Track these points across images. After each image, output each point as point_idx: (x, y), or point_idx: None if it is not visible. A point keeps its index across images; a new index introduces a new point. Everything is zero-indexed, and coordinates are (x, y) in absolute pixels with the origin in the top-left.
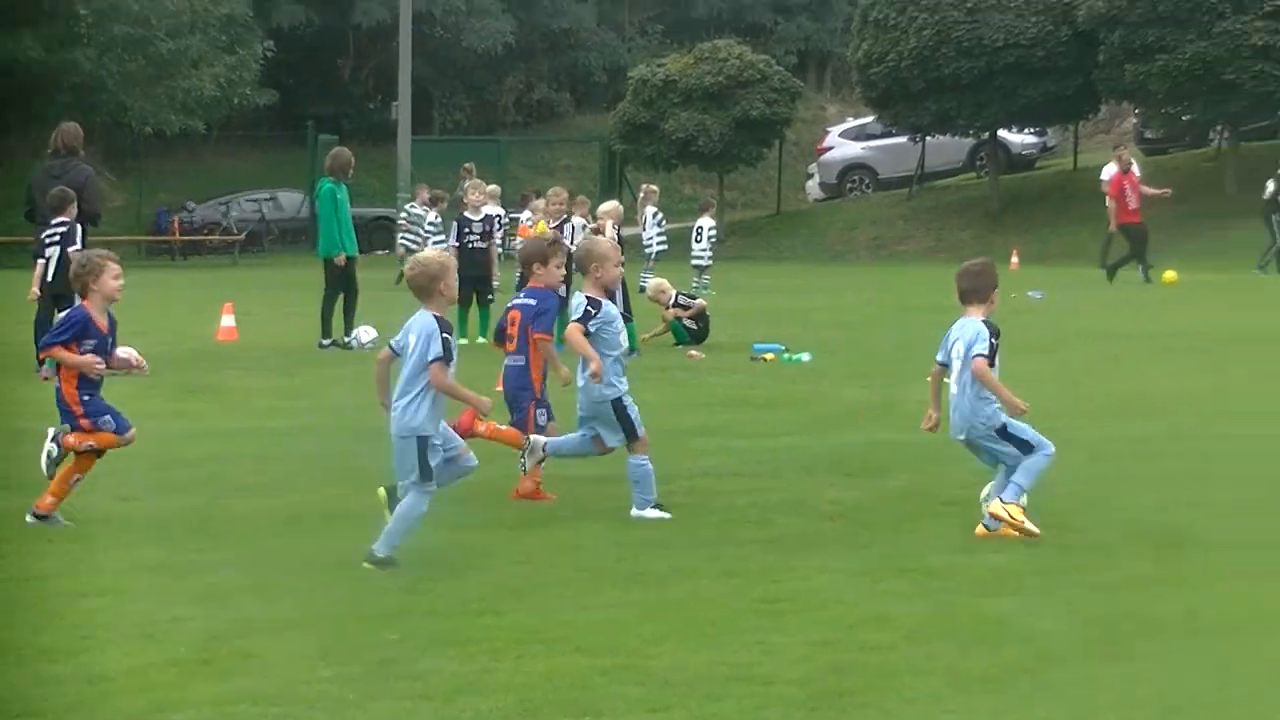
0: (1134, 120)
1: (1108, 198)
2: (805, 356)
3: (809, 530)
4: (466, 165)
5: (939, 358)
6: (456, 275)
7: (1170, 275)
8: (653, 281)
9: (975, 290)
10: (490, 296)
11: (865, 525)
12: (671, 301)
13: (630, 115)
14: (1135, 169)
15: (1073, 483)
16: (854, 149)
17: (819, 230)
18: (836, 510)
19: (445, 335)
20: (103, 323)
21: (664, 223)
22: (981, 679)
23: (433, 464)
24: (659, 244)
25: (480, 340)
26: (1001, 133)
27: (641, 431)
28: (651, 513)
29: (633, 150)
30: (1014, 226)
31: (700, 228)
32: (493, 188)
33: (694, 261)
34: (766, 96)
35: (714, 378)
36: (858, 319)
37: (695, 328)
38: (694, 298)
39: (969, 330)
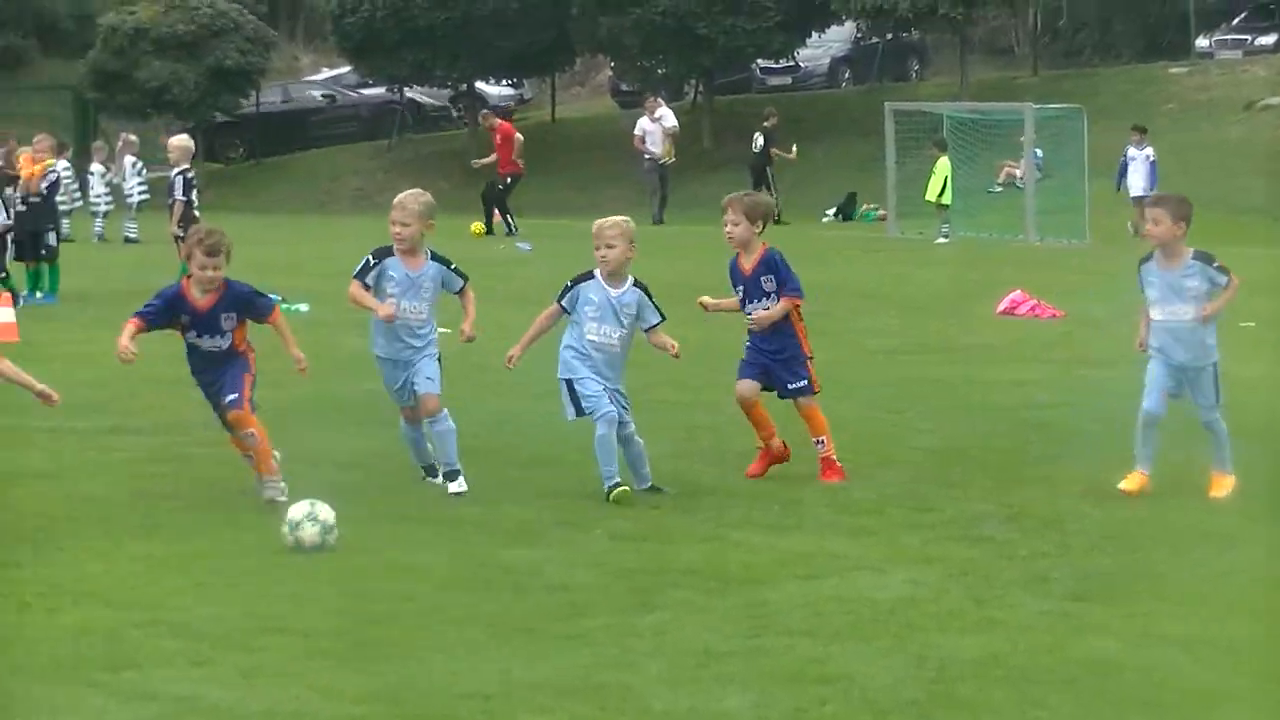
0: (609, 73)
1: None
2: (303, 307)
3: (326, 480)
4: None
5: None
6: None
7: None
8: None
9: None
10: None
11: (382, 474)
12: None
13: (101, 63)
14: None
15: (579, 435)
16: None
17: (301, 180)
18: (352, 460)
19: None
20: None
21: (144, 171)
22: (519, 628)
23: None
24: (140, 193)
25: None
26: (479, 84)
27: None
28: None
29: (106, 98)
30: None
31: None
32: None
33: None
34: (240, 46)
35: None
36: (349, 269)
37: None
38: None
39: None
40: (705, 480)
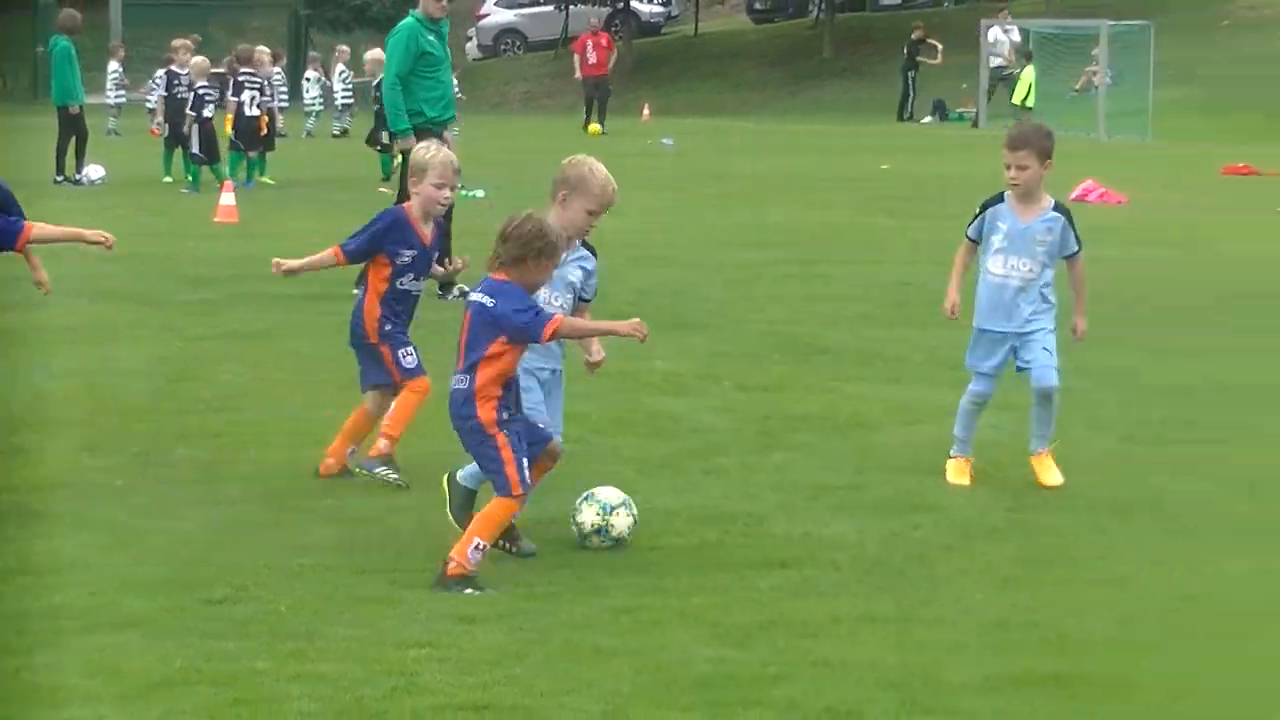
0: None
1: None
2: (480, 193)
3: None
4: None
5: None
6: None
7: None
8: None
9: None
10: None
11: None
12: None
13: None
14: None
15: (714, 301)
16: (507, 16)
17: (478, 84)
18: None
19: None
20: None
21: (349, 80)
22: (661, 465)
23: None
24: (344, 97)
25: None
26: (633, 2)
27: None
28: None
29: (316, 15)
30: (645, 83)
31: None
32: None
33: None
34: None
35: None
36: (520, 159)
37: None
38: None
39: None
40: (820, 340)
